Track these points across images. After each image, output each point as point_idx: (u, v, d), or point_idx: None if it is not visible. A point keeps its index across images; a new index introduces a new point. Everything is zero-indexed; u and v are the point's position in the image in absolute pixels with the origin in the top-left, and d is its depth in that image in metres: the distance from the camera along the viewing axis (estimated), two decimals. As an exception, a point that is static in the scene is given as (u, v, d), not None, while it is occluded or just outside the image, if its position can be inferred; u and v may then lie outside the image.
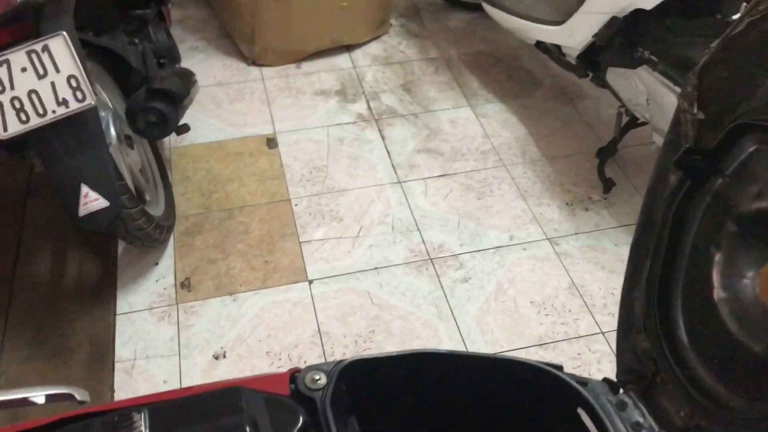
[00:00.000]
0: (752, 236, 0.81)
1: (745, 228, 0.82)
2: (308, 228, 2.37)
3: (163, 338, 2.05)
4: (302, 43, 3.06)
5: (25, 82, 1.71)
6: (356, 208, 2.45)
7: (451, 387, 0.95)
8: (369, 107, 2.88)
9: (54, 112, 1.73)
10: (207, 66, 3.07)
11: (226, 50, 3.16)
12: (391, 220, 2.41)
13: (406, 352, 0.90)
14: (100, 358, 2.01)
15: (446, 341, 2.05)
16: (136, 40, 2.36)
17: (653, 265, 0.89)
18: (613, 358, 1.40)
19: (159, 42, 2.43)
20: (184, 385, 1.93)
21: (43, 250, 2.30)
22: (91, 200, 1.81)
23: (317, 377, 0.86)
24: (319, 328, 2.08)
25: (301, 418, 0.80)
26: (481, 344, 2.04)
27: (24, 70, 1.72)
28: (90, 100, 1.74)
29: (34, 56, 1.71)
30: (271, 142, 2.70)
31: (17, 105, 1.71)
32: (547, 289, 2.19)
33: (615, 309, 1.44)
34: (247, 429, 0.76)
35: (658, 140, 2.17)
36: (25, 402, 0.84)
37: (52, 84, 1.72)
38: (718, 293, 0.84)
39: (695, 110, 0.84)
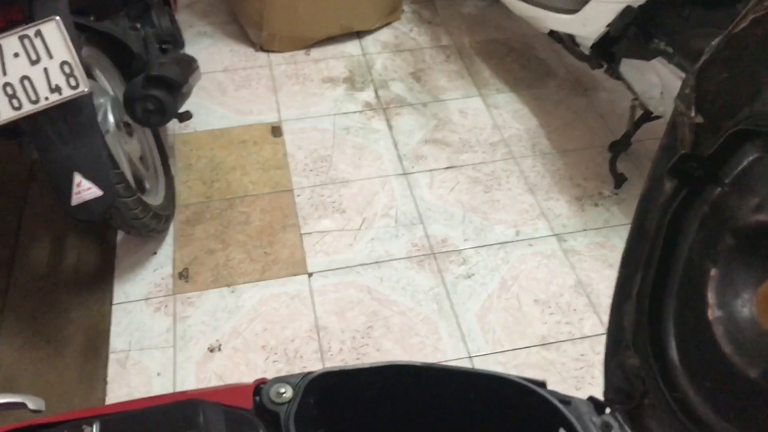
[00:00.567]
0: (751, 252, 0.75)
1: (744, 242, 0.76)
2: (310, 219, 2.33)
3: (158, 329, 2.02)
4: (311, 29, 3.01)
5: (18, 67, 1.68)
6: (359, 199, 2.40)
7: (427, 401, 0.90)
8: (377, 96, 2.82)
9: (47, 98, 1.69)
10: (214, 51, 3.03)
11: (234, 36, 3.11)
12: (394, 213, 2.36)
13: (379, 365, 0.85)
14: (95, 348, 1.98)
15: (446, 339, 2.00)
16: (138, 25, 2.32)
17: (644, 278, 0.83)
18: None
19: (162, 27, 2.39)
20: (178, 379, 1.90)
21: (42, 237, 2.28)
22: (84, 189, 1.78)
23: (282, 390, 0.81)
24: (316, 322, 2.04)
25: (261, 435, 0.76)
26: (481, 343, 1.99)
27: (16, 55, 1.68)
28: (83, 87, 1.70)
29: (26, 41, 1.68)
30: (276, 131, 2.65)
31: (9, 91, 1.68)
32: (552, 287, 2.13)
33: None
34: (203, 446, 0.72)
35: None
36: (-28, 411, 0.81)
37: (45, 70, 1.69)
38: (712, 311, 0.78)
39: (693, 113, 0.77)
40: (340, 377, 0.85)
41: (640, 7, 2.05)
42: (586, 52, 2.39)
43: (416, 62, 3.00)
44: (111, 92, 2.17)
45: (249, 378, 1.91)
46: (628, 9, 2.07)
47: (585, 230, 2.30)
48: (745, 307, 0.75)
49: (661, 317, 0.82)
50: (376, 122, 2.70)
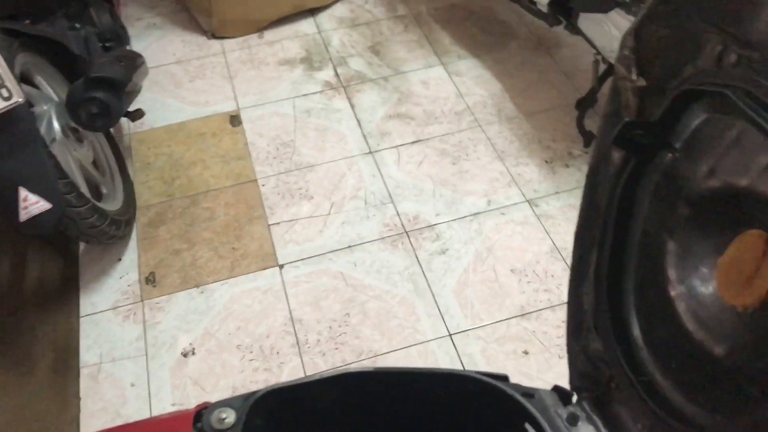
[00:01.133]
0: (707, 221, 0.70)
1: (699, 211, 0.70)
2: (277, 209, 2.26)
3: (129, 338, 1.96)
4: (262, 10, 2.91)
5: (-55, 83, 1.59)
6: (326, 183, 2.33)
7: (387, 406, 0.85)
8: (336, 74, 2.74)
9: (-21, 114, 1.61)
10: (165, 43, 2.93)
11: (185, 25, 3.00)
12: (363, 194, 2.30)
13: (329, 375, 0.80)
14: (65, 365, 1.92)
15: (424, 318, 1.95)
16: (78, 25, 2.22)
17: (601, 256, 0.78)
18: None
19: (103, 25, 2.29)
20: (152, 388, 1.84)
21: (1, 253, 2.20)
22: (32, 203, 1.70)
23: (224, 415, 0.76)
24: (291, 315, 1.98)
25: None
26: (460, 319, 1.95)
27: (-59, 71, 1.60)
28: (17, 98, 1.62)
29: (-51, 56, 1.59)
30: (235, 120, 2.57)
31: (-61, 109, 1.60)
32: (527, 255, 2.08)
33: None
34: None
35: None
36: None
37: (-26, 83, 1.60)
38: (673, 287, 0.73)
39: (635, 77, 0.71)
40: (289, 393, 0.80)
41: (593, -42, 1.98)
42: (544, 9, 2.32)
43: (374, 35, 2.91)
44: (55, 98, 2.08)
45: (225, 381, 1.86)
46: (580, -39, 2.00)
47: (557, 193, 2.24)
48: (706, 280, 0.70)
49: (621, 296, 0.77)
50: (337, 101, 2.63)
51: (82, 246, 2.19)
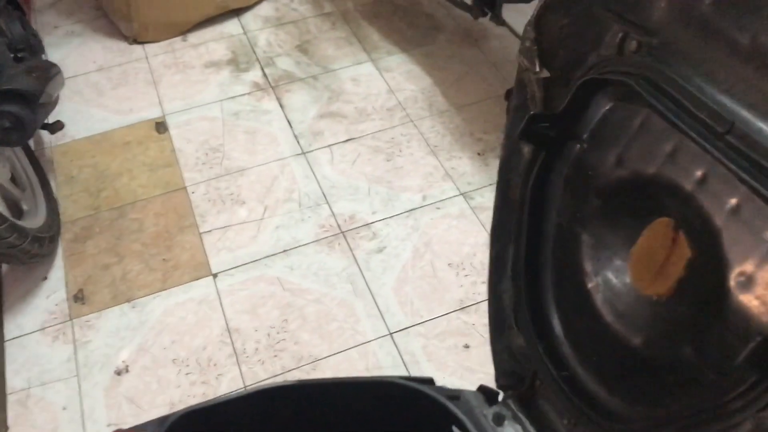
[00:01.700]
0: (618, 211, 0.69)
1: (609, 202, 0.70)
2: (208, 216, 2.20)
3: (58, 359, 1.88)
4: (185, 12, 2.83)
5: None
6: (258, 187, 2.28)
7: (314, 419, 0.82)
8: (264, 74, 2.68)
9: None
10: (85, 50, 2.82)
11: (105, 31, 2.90)
12: (297, 196, 2.26)
13: (246, 393, 0.77)
14: (-9, 393, 1.83)
15: (364, 319, 1.93)
16: (-15, 36, 2.11)
17: (517, 251, 0.77)
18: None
19: (13, 34, 2.19)
20: (86, 410, 1.77)
21: None
22: (-58, 227, 1.61)
23: (138, 443, 0.72)
24: (227, 325, 1.93)
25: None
26: (400, 317, 1.93)
27: None
28: None
29: None
30: (161, 126, 2.50)
31: None
32: (464, 248, 2.08)
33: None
34: None
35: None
36: None
37: None
38: (589, 280, 0.72)
39: (537, 68, 0.70)
40: (206, 414, 0.76)
41: (512, -52, 1.98)
42: (468, 1, 2.32)
43: (301, 34, 2.87)
44: (-35, 114, 1.98)
45: (162, 397, 1.80)
46: (499, -48, 2.01)
47: (491, 185, 2.25)
48: (620, 272, 0.69)
49: (540, 291, 0.76)
50: (266, 103, 2.58)
51: (5, 267, 2.10)
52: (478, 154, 2.33)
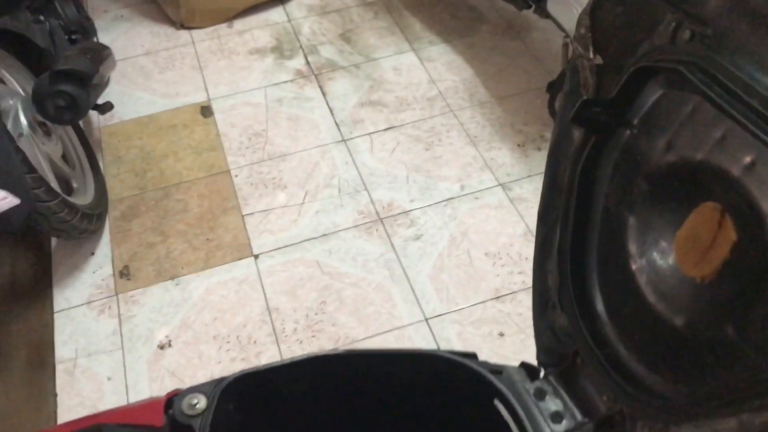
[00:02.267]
0: (665, 195, 0.71)
1: (657, 186, 0.72)
2: (250, 199, 2.25)
3: (104, 332, 1.95)
4: (231, 0, 2.88)
5: None
6: (300, 172, 2.33)
7: (357, 388, 0.85)
8: (307, 62, 2.73)
9: (-58, 109, 1.59)
10: (133, 35, 2.89)
11: (153, 16, 2.97)
12: (337, 182, 2.30)
13: (298, 359, 0.80)
14: (40, 361, 1.91)
15: (400, 304, 1.96)
16: (42, 18, 2.19)
17: (563, 233, 0.79)
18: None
19: (68, 17, 2.26)
20: (129, 382, 1.84)
21: (-29, 252, 2.17)
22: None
23: (195, 401, 0.76)
24: (267, 304, 1.98)
25: (173, 453, 0.71)
26: (436, 303, 1.96)
27: None
28: (-19, 93, 1.60)
29: None
30: (206, 111, 2.55)
31: None
32: (501, 239, 2.10)
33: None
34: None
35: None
36: None
37: (-64, 80, 1.58)
38: (634, 261, 0.74)
39: (591, 55, 0.72)
40: (259, 378, 0.80)
41: (559, -59, 1.98)
42: (513, -7, 2.33)
43: (344, 23, 2.90)
44: (21, 92, 2.05)
45: (203, 372, 1.86)
46: (547, -56, 2.01)
47: (530, 176, 2.26)
48: (665, 254, 0.72)
49: (584, 272, 0.79)
50: (309, 90, 2.62)
51: (54, 242, 2.17)
52: (518, 145, 2.35)
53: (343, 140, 2.43)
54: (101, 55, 2.07)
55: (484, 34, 2.79)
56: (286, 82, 2.65)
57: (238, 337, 1.91)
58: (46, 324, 1.98)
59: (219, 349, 1.89)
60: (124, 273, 2.08)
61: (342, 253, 2.10)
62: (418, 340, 1.89)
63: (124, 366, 1.87)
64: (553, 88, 2.41)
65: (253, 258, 2.10)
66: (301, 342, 1.90)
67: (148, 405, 0.80)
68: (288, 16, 2.94)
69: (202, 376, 1.84)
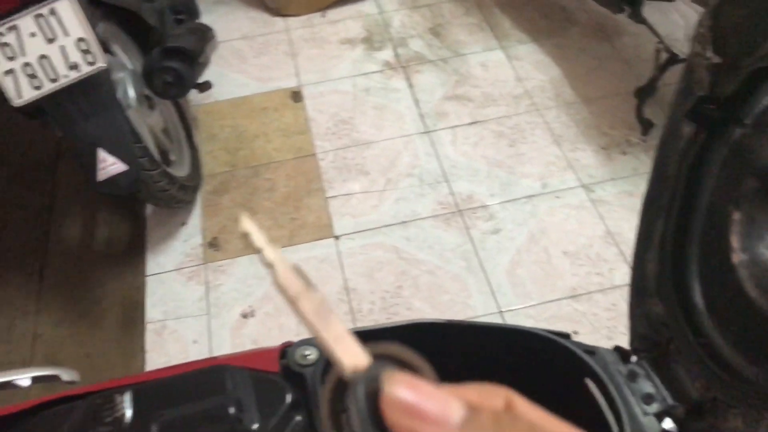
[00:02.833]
0: (774, 193, 0.73)
1: (766, 183, 0.74)
2: (334, 183, 2.33)
3: (192, 298, 2.06)
4: (326, -10, 2.97)
5: (35, 47, 1.69)
6: (383, 160, 2.39)
7: (451, 358, 0.90)
8: (396, 54, 2.79)
9: (66, 76, 1.70)
10: (231, 19, 3.01)
11: (251, 2, 3.08)
12: (418, 172, 2.35)
13: (403, 323, 0.86)
14: (131, 320, 2.03)
15: (475, 295, 2.00)
16: (153, -3, 2.31)
17: (667, 225, 0.82)
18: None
19: (175, -2, 2.37)
20: (213, 346, 1.94)
21: (74, 213, 2.32)
22: (109, 164, 1.80)
23: (307, 352, 0.82)
24: (346, 284, 2.05)
25: (288, 397, 0.77)
26: (511, 297, 1.99)
27: (33, 35, 1.69)
28: (101, 63, 1.71)
29: (42, 20, 1.69)
30: (297, 96, 2.65)
31: (29, 71, 1.70)
32: (581, 239, 2.11)
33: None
34: (232, 409, 0.73)
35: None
36: (8, 385, 0.83)
37: (62, 48, 1.70)
38: (736, 255, 0.76)
39: (710, 54, 0.75)
40: (364, 337, 0.86)
41: (662, -55, 1.98)
42: (608, -4, 2.33)
43: (434, 17, 2.95)
44: (130, 66, 2.18)
45: (281, 341, 1.94)
46: (648, -52, 2.01)
47: (613, 179, 2.26)
48: (769, 249, 0.74)
49: (684, 263, 0.81)
50: (396, 81, 2.68)
51: (148, 210, 2.30)
52: (603, 148, 2.35)
53: (427, 132, 2.48)
54: (206, 35, 2.18)
55: (574, 35, 2.79)
56: (374, 72, 2.72)
57: (316, 313, 1.99)
58: (139, 286, 2.11)
59: (298, 323, 1.97)
60: (212, 244, 2.18)
61: (420, 240, 2.15)
62: (491, 330, 1.92)
63: (209, 331, 1.98)
64: (641, 93, 2.40)
65: (333, 239, 2.17)
66: (376, 322, 1.96)
67: (261, 353, 0.87)
68: (380, 8, 3.00)
69: (281, 347, 1.92)
